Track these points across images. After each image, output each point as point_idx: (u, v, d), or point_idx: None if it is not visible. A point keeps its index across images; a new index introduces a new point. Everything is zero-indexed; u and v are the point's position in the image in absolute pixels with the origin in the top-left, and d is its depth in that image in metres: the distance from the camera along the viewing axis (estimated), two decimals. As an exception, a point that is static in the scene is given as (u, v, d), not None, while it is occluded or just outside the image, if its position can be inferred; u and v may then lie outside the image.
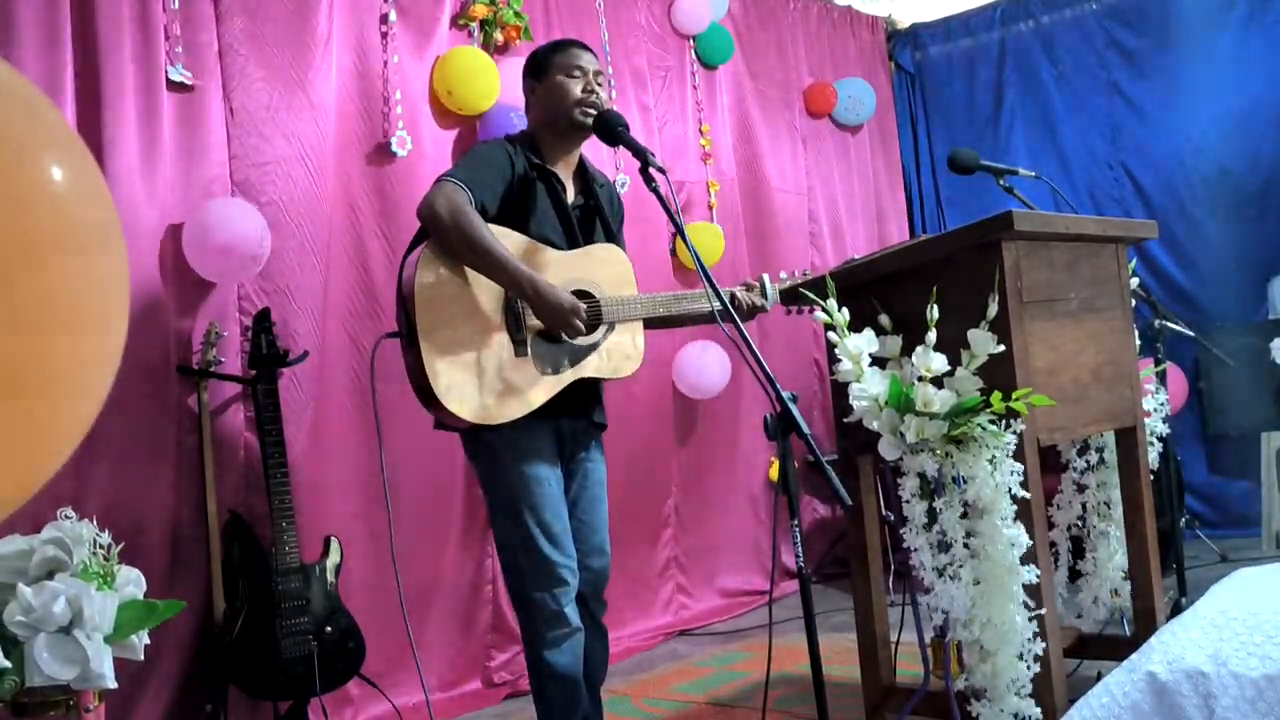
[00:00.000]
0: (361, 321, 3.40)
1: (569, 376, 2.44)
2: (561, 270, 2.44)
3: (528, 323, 2.40)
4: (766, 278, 2.74)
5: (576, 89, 2.48)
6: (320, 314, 3.29)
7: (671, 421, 4.42)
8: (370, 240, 3.47)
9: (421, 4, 3.68)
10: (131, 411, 2.84)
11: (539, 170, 2.49)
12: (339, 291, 3.38)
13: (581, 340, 2.45)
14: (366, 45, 3.53)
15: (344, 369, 3.36)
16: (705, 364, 4.31)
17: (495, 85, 3.67)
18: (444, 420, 2.40)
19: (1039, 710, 2.12)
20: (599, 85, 2.52)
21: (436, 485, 3.54)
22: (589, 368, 2.48)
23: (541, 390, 2.40)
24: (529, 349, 2.40)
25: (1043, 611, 2.14)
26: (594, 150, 2.75)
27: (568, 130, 2.51)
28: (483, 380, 2.33)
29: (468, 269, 2.34)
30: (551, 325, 2.36)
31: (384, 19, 3.56)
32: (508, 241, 2.35)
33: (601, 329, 2.49)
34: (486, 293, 2.37)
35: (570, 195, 2.56)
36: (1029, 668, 2.11)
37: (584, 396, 2.51)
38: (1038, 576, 2.12)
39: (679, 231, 2.10)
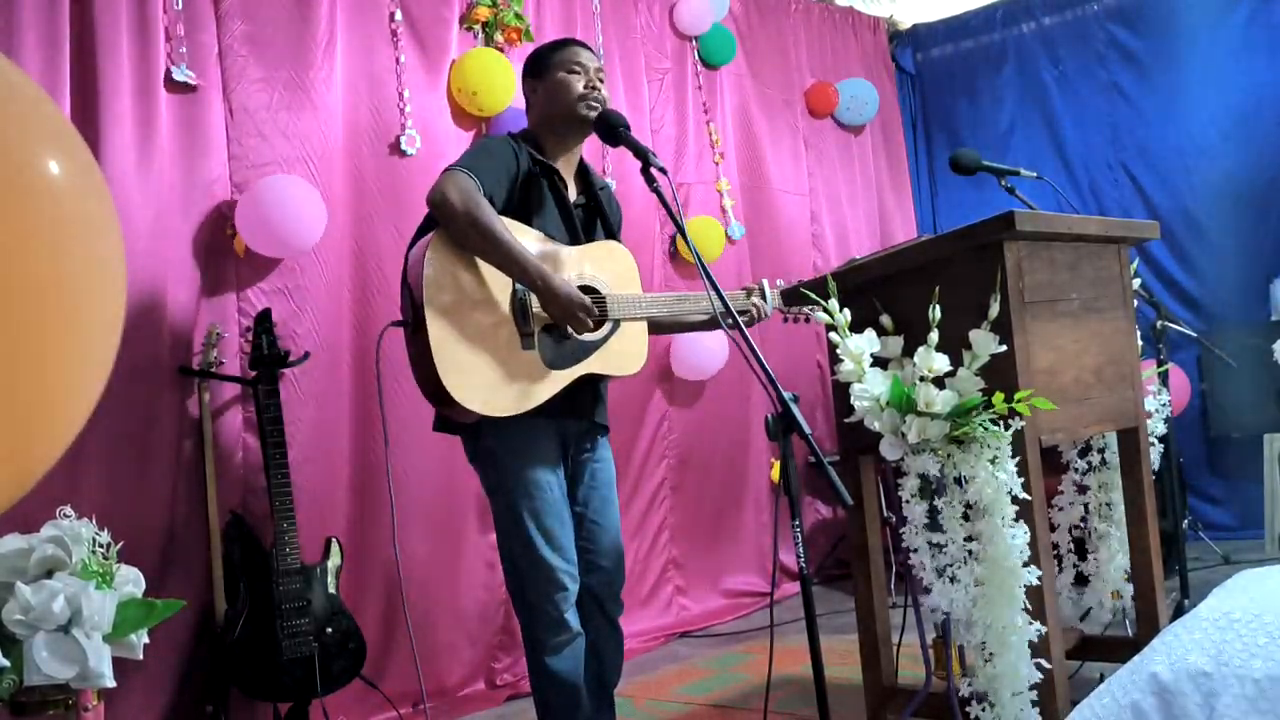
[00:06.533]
0: (371, 321, 3.39)
1: (574, 372, 2.42)
2: (570, 265, 2.43)
3: (535, 315, 2.37)
4: (765, 282, 2.73)
5: (579, 85, 2.47)
6: (321, 314, 3.29)
7: (669, 420, 4.42)
8: (384, 238, 3.47)
9: (427, 5, 3.68)
10: (132, 413, 2.85)
11: (542, 167, 2.48)
12: (345, 291, 3.38)
13: (588, 336, 2.43)
14: (374, 46, 3.54)
15: (346, 369, 3.36)
16: (701, 344, 4.25)
17: (513, 86, 3.69)
18: (447, 413, 2.37)
19: (1039, 718, 2.10)
20: (600, 81, 2.51)
21: (447, 484, 3.53)
22: (594, 364, 2.46)
23: (547, 385, 2.37)
24: (536, 342, 2.37)
25: (1044, 628, 2.12)
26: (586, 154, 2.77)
27: (570, 127, 2.49)
28: (490, 371, 2.29)
29: (477, 259, 2.32)
30: (560, 319, 2.34)
31: (391, 18, 3.57)
32: (520, 236, 2.33)
33: (607, 326, 2.47)
34: (495, 283, 2.34)
35: (572, 193, 2.56)
36: (1030, 674, 2.09)
37: (586, 397, 2.49)
38: (1039, 579, 2.11)
39: (680, 232, 2.09)
